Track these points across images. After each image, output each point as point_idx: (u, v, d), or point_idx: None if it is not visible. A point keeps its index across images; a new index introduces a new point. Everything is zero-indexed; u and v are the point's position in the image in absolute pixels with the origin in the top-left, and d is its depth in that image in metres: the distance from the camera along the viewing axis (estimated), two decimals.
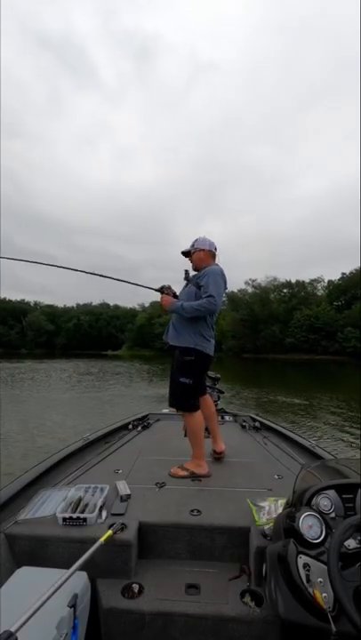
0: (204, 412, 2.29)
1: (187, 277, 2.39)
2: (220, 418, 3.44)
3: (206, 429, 2.35)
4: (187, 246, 2.43)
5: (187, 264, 2.43)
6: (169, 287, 2.39)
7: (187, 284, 2.36)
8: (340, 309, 52.28)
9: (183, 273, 2.43)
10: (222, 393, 3.92)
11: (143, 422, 3.31)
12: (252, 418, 3.54)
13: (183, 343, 2.17)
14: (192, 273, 2.41)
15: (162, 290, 2.36)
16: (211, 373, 3.40)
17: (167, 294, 2.33)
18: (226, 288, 2.31)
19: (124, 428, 3.18)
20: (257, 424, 3.28)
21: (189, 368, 2.17)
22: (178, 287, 2.47)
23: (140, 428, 3.14)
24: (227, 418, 3.66)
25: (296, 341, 51.80)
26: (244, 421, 3.40)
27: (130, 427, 3.18)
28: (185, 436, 2.60)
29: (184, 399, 2.21)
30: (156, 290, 2.39)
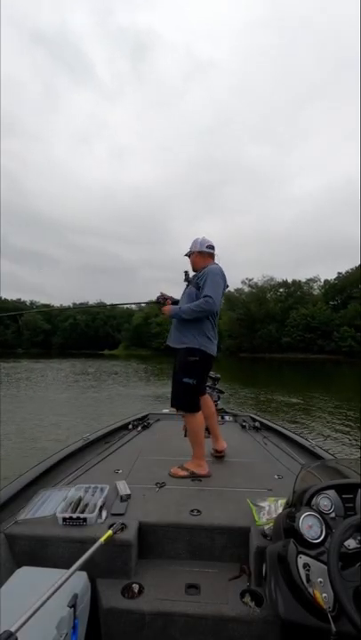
0: (204, 412, 2.29)
1: (187, 279, 2.41)
2: (220, 418, 3.45)
3: (206, 429, 2.35)
4: (186, 246, 2.45)
5: (187, 265, 2.44)
6: (165, 296, 2.44)
7: (187, 286, 2.36)
8: (336, 309, 52.57)
9: (181, 273, 2.46)
10: (222, 393, 3.93)
11: (143, 422, 3.31)
12: (252, 418, 3.55)
13: (188, 344, 2.17)
14: (192, 274, 2.42)
15: (159, 302, 2.43)
16: (211, 373, 3.41)
17: (166, 303, 2.37)
18: (227, 287, 2.32)
19: (124, 428, 3.17)
20: (257, 424, 3.29)
21: (193, 368, 2.18)
22: (176, 288, 2.48)
23: (140, 428, 3.14)
24: (227, 418, 3.66)
25: (292, 340, 52.03)
26: (244, 421, 3.41)
27: (130, 427, 3.18)
28: (185, 436, 2.61)
29: (187, 400, 2.21)
30: (154, 303, 2.45)
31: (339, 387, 16.85)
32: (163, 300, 2.39)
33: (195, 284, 2.24)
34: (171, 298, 2.41)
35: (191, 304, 2.16)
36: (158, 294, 2.44)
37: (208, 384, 2.96)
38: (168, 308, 2.29)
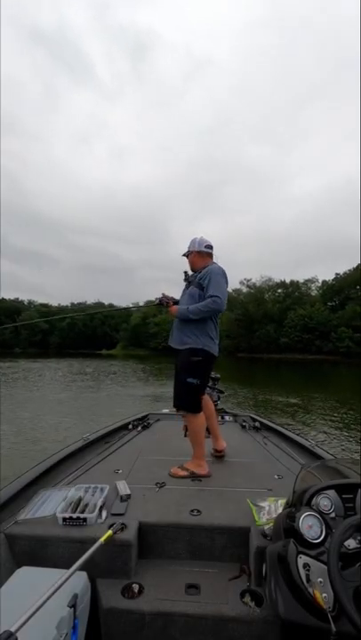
0: (204, 412, 2.28)
1: (187, 279, 2.40)
2: (220, 418, 3.45)
3: (206, 429, 2.35)
4: (184, 246, 2.44)
5: (186, 265, 2.44)
6: (167, 298, 2.42)
7: (187, 286, 2.36)
8: (333, 309, 52.70)
9: (180, 273, 2.46)
10: (222, 393, 3.92)
11: (143, 422, 3.31)
12: (252, 418, 3.55)
13: (190, 345, 2.17)
14: (191, 274, 2.42)
15: (162, 303, 2.40)
16: (211, 373, 3.42)
17: (168, 304, 2.36)
18: (227, 286, 2.32)
19: (124, 427, 3.17)
20: (257, 424, 3.29)
21: (197, 368, 2.18)
22: (176, 288, 2.48)
23: (140, 428, 3.14)
24: (227, 418, 3.67)
25: (290, 341, 52.15)
26: (244, 421, 3.41)
27: (130, 427, 3.18)
28: (185, 436, 2.61)
29: (190, 400, 2.20)
30: (156, 305, 2.43)
31: (336, 387, 16.89)
32: (165, 301, 2.38)
33: (197, 284, 2.23)
34: (172, 298, 2.41)
35: (199, 304, 2.15)
36: (160, 295, 2.43)
37: (208, 384, 2.97)
38: (175, 309, 2.28)
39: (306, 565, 0.99)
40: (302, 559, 1.00)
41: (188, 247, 2.40)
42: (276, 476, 2.09)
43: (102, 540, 1.33)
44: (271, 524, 1.38)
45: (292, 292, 60.62)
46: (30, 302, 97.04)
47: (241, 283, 62.24)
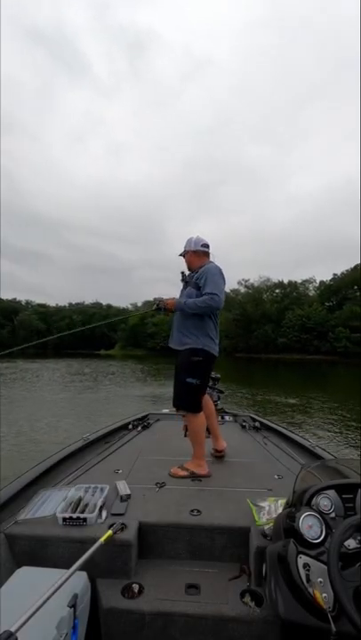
0: (204, 412, 2.28)
1: (184, 279, 2.40)
2: (220, 418, 3.45)
3: (206, 429, 2.35)
4: (181, 246, 2.44)
5: (184, 265, 2.43)
6: (163, 301, 2.39)
7: (185, 286, 2.36)
8: (331, 310, 52.80)
9: (178, 273, 2.44)
10: (222, 393, 3.93)
11: (143, 422, 3.31)
12: (252, 418, 3.56)
13: (191, 345, 2.17)
14: (188, 274, 2.42)
15: (159, 307, 2.36)
16: (211, 373, 3.41)
17: (167, 305, 2.31)
18: (224, 285, 2.32)
19: (124, 427, 3.17)
20: (257, 424, 3.30)
21: (197, 368, 2.18)
22: (175, 288, 2.48)
23: (140, 428, 3.14)
24: (227, 418, 3.67)
25: (288, 341, 52.24)
26: (244, 421, 3.42)
27: (130, 427, 3.18)
28: (185, 436, 2.61)
29: (190, 400, 2.20)
30: (155, 309, 2.40)
31: (335, 387, 16.94)
32: (163, 305, 2.37)
33: (194, 284, 2.23)
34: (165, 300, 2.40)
35: (196, 299, 2.15)
36: (156, 298, 2.41)
37: (208, 384, 2.97)
38: (172, 302, 2.26)
39: (306, 565, 0.99)
40: (302, 559, 1.00)
41: (185, 247, 2.39)
42: (276, 476, 2.09)
43: (102, 540, 1.33)
44: (271, 524, 1.38)
45: (290, 293, 60.73)
46: (28, 302, 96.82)
47: (239, 283, 62.41)
